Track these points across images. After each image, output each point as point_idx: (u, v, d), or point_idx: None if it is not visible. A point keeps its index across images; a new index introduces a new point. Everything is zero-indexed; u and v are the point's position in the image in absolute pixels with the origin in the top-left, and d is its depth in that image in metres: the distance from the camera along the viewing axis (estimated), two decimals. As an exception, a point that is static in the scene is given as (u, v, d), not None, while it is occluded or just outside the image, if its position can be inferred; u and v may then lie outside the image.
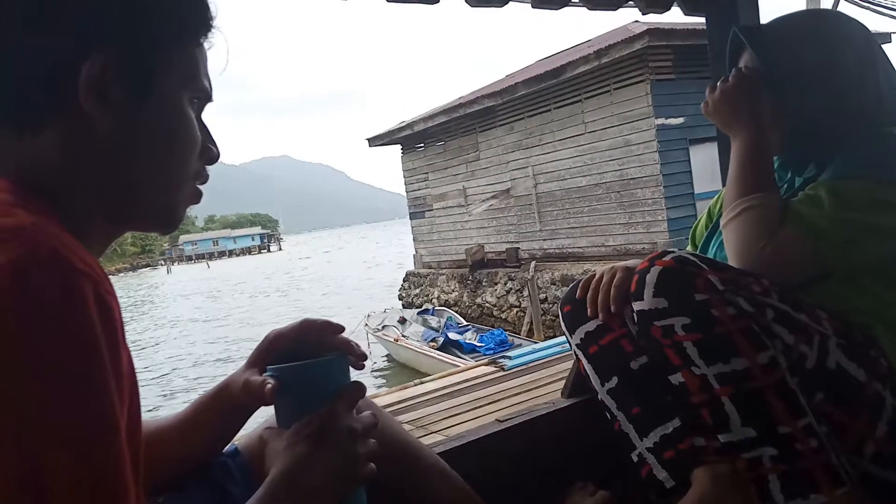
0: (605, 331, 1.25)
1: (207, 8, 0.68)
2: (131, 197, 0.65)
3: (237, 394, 0.84)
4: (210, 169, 0.72)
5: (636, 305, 1.07)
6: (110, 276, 0.53)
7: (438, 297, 15.15)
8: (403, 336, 11.17)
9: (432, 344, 10.31)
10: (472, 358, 8.64)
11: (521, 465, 1.33)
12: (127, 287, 47.91)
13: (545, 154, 12.91)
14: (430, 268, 16.59)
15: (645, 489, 1.17)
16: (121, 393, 0.50)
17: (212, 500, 0.87)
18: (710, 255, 1.34)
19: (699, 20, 1.96)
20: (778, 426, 0.99)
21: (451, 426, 3.50)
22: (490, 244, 14.52)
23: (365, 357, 0.83)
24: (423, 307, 13.47)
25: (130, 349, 0.56)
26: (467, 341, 10.08)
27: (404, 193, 17.70)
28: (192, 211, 0.77)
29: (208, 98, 0.70)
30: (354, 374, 0.83)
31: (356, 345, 0.84)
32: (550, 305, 11.52)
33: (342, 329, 0.85)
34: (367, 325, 12.35)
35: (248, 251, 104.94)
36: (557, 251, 12.94)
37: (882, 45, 1.23)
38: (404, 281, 17.54)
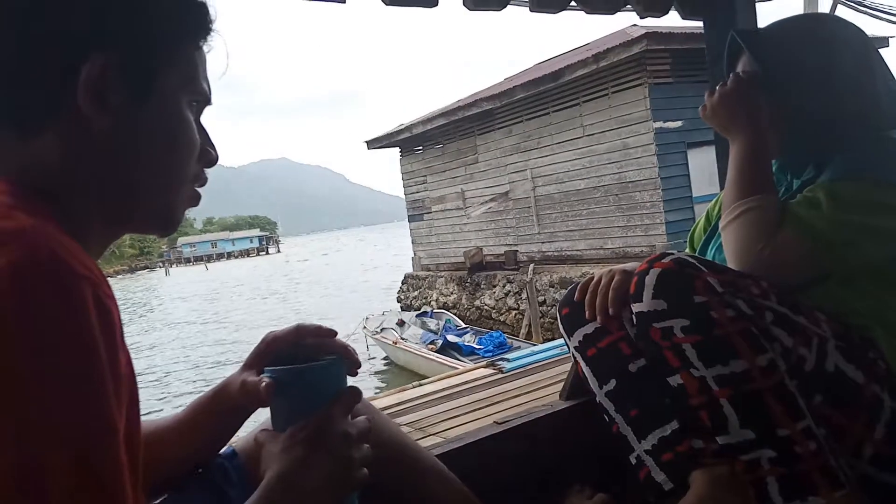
0: (604, 333, 1.25)
1: (207, 11, 0.68)
2: (130, 199, 0.65)
3: (235, 395, 0.84)
4: (208, 171, 0.73)
5: (635, 307, 1.07)
6: (108, 279, 0.54)
7: (437, 300, 15.15)
8: (402, 339, 11.16)
9: (431, 346, 10.30)
10: (470, 360, 8.64)
11: (520, 468, 1.33)
12: (125, 289, 47.83)
13: (543, 157, 12.93)
14: (429, 270, 16.59)
15: (643, 491, 1.17)
16: (119, 395, 0.50)
17: (210, 501, 0.87)
18: (709, 257, 1.34)
19: (697, 24, 1.96)
20: (777, 428, 0.99)
21: (450, 428, 3.49)
22: (488, 247, 14.52)
23: (359, 364, 0.83)
24: (422, 309, 13.46)
25: (129, 351, 0.56)
26: (466, 343, 10.06)
27: (403, 196, 17.71)
28: (191, 213, 0.77)
29: (207, 101, 0.70)
30: (352, 378, 0.83)
31: (353, 350, 0.84)
32: (549, 308, 11.53)
33: (334, 333, 0.84)
34: (365, 327, 12.35)
35: (246, 253, 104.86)
36: (556, 254, 12.95)
37: (879, 49, 1.23)
38: (403, 283, 17.54)
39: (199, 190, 0.72)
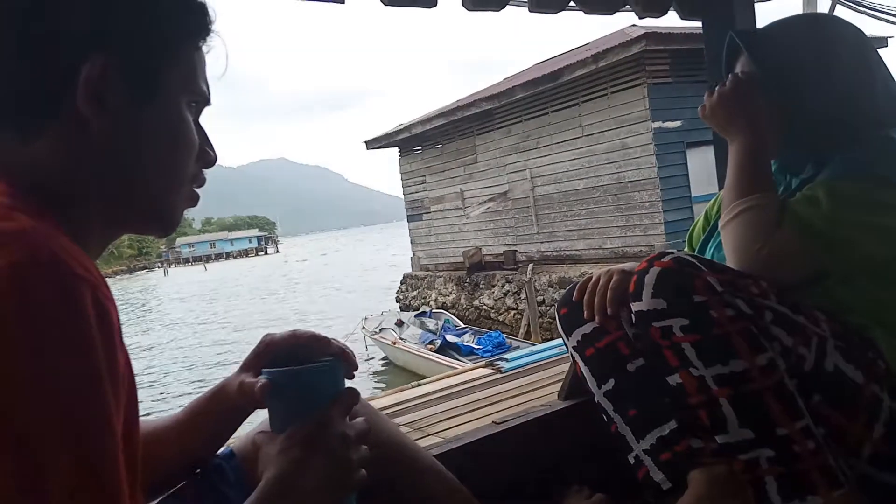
0: (602, 333, 1.25)
1: (206, 11, 0.68)
2: (129, 199, 0.65)
3: (232, 396, 0.85)
4: (207, 171, 0.73)
5: (635, 306, 1.07)
6: (107, 279, 0.54)
7: (436, 300, 15.15)
8: (401, 339, 11.15)
9: (430, 346, 10.29)
10: (469, 360, 8.63)
11: (518, 467, 1.33)
12: (124, 290, 47.79)
13: (543, 157, 12.93)
14: (428, 270, 16.60)
15: (642, 491, 1.17)
16: (117, 396, 0.50)
17: (207, 502, 0.87)
18: (708, 257, 1.34)
19: (696, 24, 1.97)
20: (776, 428, 0.99)
21: (448, 428, 3.49)
22: (487, 247, 14.52)
23: (356, 367, 0.83)
24: (421, 310, 13.46)
25: (128, 351, 0.56)
26: (465, 343, 10.06)
27: (402, 196, 17.71)
28: (190, 213, 0.77)
29: (206, 101, 0.71)
30: (351, 379, 0.83)
31: (350, 352, 0.84)
32: (548, 308, 11.53)
33: (328, 341, 0.84)
34: (364, 327, 12.35)
35: (245, 253, 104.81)
36: (555, 254, 12.95)
37: (878, 49, 1.24)
38: (402, 283, 17.54)
39: (198, 190, 0.72)
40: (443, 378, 5.21)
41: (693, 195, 10.94)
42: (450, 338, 10.41)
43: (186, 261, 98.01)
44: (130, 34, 0.61)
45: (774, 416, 0.99)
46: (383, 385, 10.48)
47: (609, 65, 10.94)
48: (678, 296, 1.02)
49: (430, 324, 11.65)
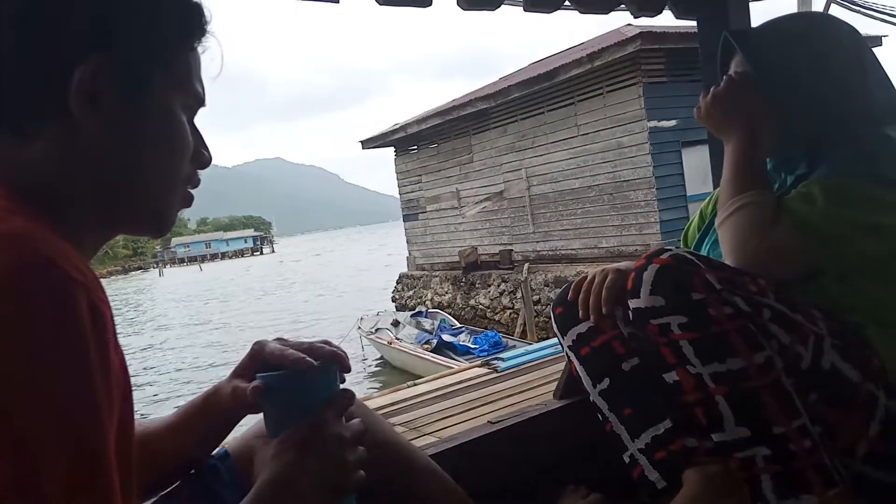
0: (597, 333, 1.25)
1: (202, 12, 0.68)
2: (123, 201, 0.65)
3: (225, 400, 0.85)
4: (203, 171, 0.72)
5: (632, 303, 1.06)
6: (102, 279, 0.54)
7: (432, 300, 15.15)
8: (397, 339, 11.14)
9: (426, 346, 10.29)
10: (466, 360, 8.63)
11: (514, 467, 1.33)
12: (118, 290, 47.63)
13: (538, 156, 12.94)
14: (424, 270, 16.60)
15: (637, 490, 1.17)
16: (110, 398, 0.50)
17: (202, 502, 0.87)
18: (702, 256, 1.35)
19: (691, 23, 1.97)
20: (772, 426, 0.99)
21: (444, 428, 3.49)
22: (483, 246, 14.53)
23: (349, 370, 0.83)
24: (417, 309, 13.46)
25: (124, 353, 0.56)
26: (461, 343, 10.06)
27: (398, 196, 17.71)
28: (185, 213, 0.77)
29: (201, 103, 0.70)
30: (348, 380, 0.83)
31: (344, 355, 0.83)
32: (544, 307, 11.54)
33: (320, 347, 0.84)
34: (360, 328, 12.33)
35: (240, 253, 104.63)
36: (551, 253, 12.96)
37: (873, 48, 1.24)
38: (397, 283, 17.54)
39: (192, 192, 0.72)
40: (438, 378, 5.22)
41: (688, 194, 10.97)
42: (446, 337, 10.41)
43: (182, 261, 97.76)
44: (124, 35, 0.61)
45: (771, 415, 0.99)
46: (379, 385, 10.48)
47: (604, 64, 10.96)
48: (677, 293, 1.02)
49: (427, 323, 11.64)
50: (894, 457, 1.05)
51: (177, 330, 22.68)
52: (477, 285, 13.90)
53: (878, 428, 1.04)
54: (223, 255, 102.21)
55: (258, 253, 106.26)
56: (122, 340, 0.56)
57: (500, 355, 5.93)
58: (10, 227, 0.51)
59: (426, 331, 11.18)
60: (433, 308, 13.82)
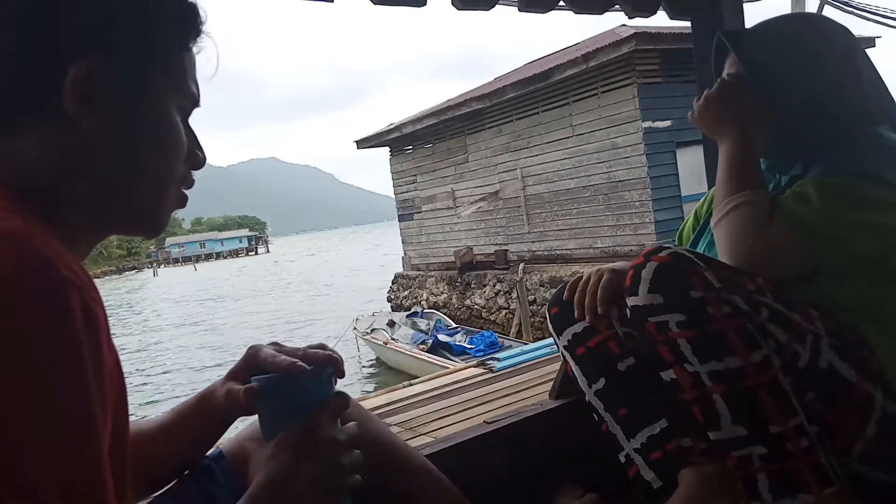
0: (592, 333, 1.25)
1: (197, 13, 0.68)
2: (117, 201, 0.64)
3: (219, 402, 0.85)
4: (197, 171, 0.72)
5: (630, 301, 1.06)
6: (96, 279, 0.53)
7: (427, 300, 15.15)
8: (393, 339, 11.13)
9: (422, 346, 10.28)
10: (462, 360, 8.63)
11: (509, 467, 1.33)
12: (112, 291, 47.46)
13: (533, 157, 12.95)
14: (419, 270, 16.59)
15: (632, 490, 1.17)
16: (104, 399, 0.50)
17: (196, 503, 0.87)
18: (698, 256, 1.35)
19: (685, 24, 1.97)
20: (769, 425, 0.99)
21: (440, 428, 3.49)
22: (479, 246, 14.53)
23: (342, 375, 0.83)
24: (412, 310, 13.45)
25: (119, 353, 0.56)
26: (457, 343, 10.06)
27: (393, 195, 17.70)
28: (179, 213, 0.77)
29: (195, 103, 0.70)
30: (343, 380, 0.83)
31: (338, 358, 0.83)
32: (539, 307, 11.55)
33: (314, 353, 0.84)
34: (355, 328, 12.32)
35: (235, 253, 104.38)
36: (546, 253, 12.97)
37: (866, 49, 1.25)
38: (393, 283, 17.53)
39: (186, 192, 0.71)
40: (434, 378, 5.21)
41: (683, 194, 10.99)
42: (441, 337, 10.41)
43: (176, 261, 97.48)
44: (120, 35, 0.61)
45: (768, 414, 0.99)
46: (375, 386, 10.47)
47: (599, 64, 10.97)
48: (675, 291, 1.02)
49: (422, 324, 11.64)
50: (891, 456, 1.05)
51: (170, 331, 22.60)
52: (472, 285, 13.91)
53: (875, 428, 1.04)
54: (218, 255, 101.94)
55: (253, 253, 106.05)
56: (115, 342, 0.56)
57: (496, 355, 5.93)
58: (4, 226, 0.51)
59: (422, 331, 11.18)
60: (429, 308, 13.82)
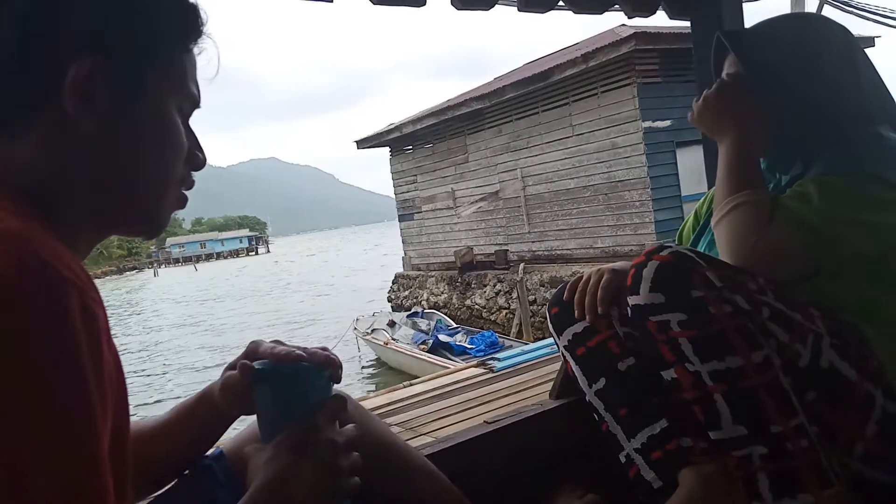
0: (593, 332, 1.25)
1: (198, 13, 0.68)
2: (116, 202, 0.64)
3: (218, 399, 0.85)
4: (196, 172, 0.72)
5: (631, 300, 1.06)
6: (96, 279, 0.54)
7: (427, 300, 15.15)
8: (393, 339, 11.13)
9: (422, 346, 10.28)
10: (462, 360, 8.63)
11: (510, 467, 1.33)
12: (112, 291, 47.44)
13: (533, 156, 12.95)
14: (420, 270, 16.59)
15: (633, 490, 1.17)
16: (103, 399, 0.50)
17: (196, 503, 0.87)
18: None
19: (685, 24, 1.97)
20: (770, 425, 0.99)
21: (440, 428, 3.49)
22: (479, 246, 14.53)
23: (339, 380, 0.83)
24: (413, 310, 13.45)
25: (119, 353, 0.56)
26: (457, 343, 10.05)
27: (393, 196, 17.70)
28: (179, 213, 0.77)
29: (196, 104, 0.70)
30: (345, 380, 0.83)
31: (336, 359, 0.83)
32: (539, 307, 11.54)
33: (313, 352, 0.84)
34: (356, 328, 12.32)
35: (235, 254, 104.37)
36: (546, 253, 12.97)
37: (865, 49, 1.25)
38: (393, 283, 17.53)
39: (186, 193, 0.72)
40: (434, 378, 5.21)
41: (683, 194, 10.99)
42: (442, 338, 10.41)
43: (176, 261, 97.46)
44: (120, 37, 0.61)
45: (769, 414, 0.99)
46: (376, 386, 10.47)
47: (599, 64, 10.97)
48: (677, 290, 1.01)
49: (422, 324, 11.63)
50: (891, 456, 1.05)
51: (170, 331, 22.59)
52: (473, 285, 13.91)
53: (875, 428, 1.04)
54: (218, 256, 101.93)
55: (253, 253, 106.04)
56: (116, 342, 0.56)
57: (497, 355, 5.93)
58: (7, 228, 0.51)
59: (422, 331, 11.18)
60: (429, 308, 13.82)
